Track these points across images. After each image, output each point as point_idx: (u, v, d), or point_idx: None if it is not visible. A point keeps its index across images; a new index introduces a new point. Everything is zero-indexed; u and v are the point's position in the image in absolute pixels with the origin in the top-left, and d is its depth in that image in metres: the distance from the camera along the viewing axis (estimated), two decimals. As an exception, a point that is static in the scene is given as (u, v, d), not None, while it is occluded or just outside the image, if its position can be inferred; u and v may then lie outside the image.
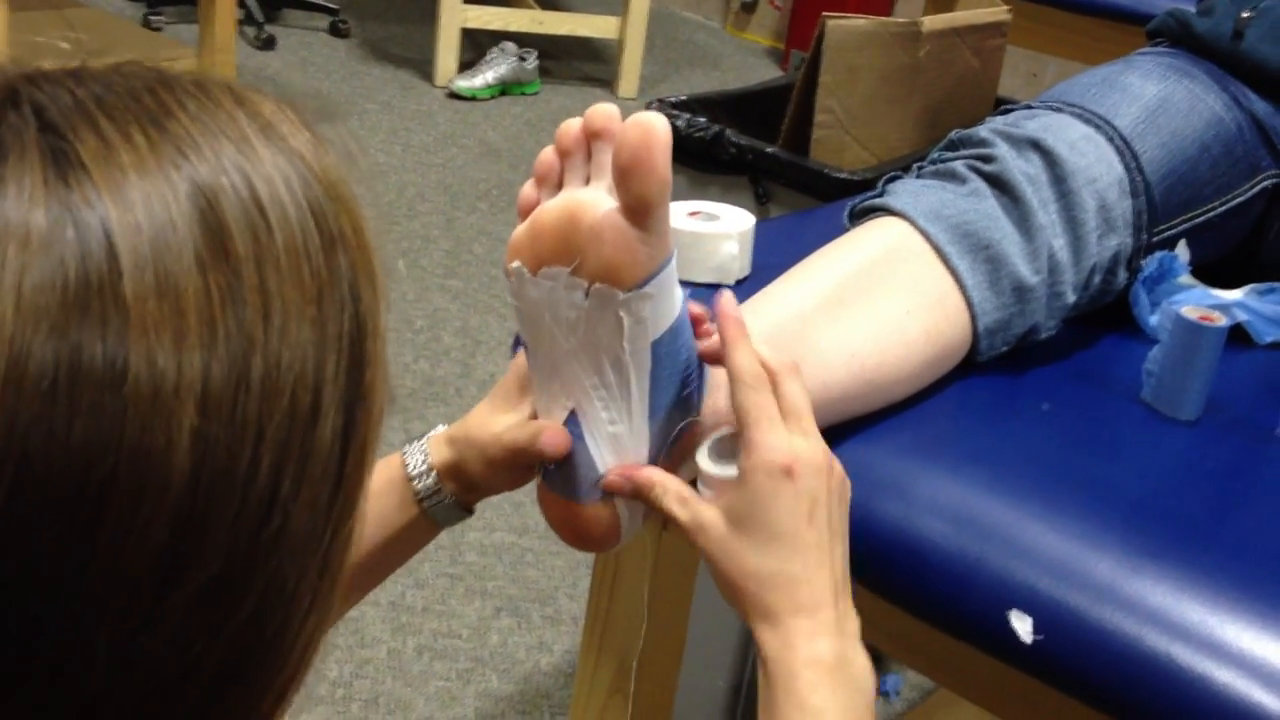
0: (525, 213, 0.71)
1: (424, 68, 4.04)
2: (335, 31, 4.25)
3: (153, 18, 3.92)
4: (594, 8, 4.80)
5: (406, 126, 3.60)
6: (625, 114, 0.67)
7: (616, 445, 0.72)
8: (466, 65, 3.95)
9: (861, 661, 0.68)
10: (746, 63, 4.76)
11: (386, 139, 3.49)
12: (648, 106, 1.62)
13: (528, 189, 0.71)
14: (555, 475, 0.73)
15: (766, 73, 4.67)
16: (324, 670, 1.70)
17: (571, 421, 0.72)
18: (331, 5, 4.30)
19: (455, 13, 3.86)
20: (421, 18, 4.52)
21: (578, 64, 4.37)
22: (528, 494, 2.10)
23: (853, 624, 0.69)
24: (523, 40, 4.02)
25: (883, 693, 1.83)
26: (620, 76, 4.06)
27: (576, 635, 1.85)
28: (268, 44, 4.00)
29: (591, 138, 0.68)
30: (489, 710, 1.70)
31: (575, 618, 1.88)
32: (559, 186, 0.70)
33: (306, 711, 1.63)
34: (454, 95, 3.85)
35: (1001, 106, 1.07)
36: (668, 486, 0.70)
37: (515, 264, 0.70)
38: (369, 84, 3.89)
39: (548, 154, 0.70)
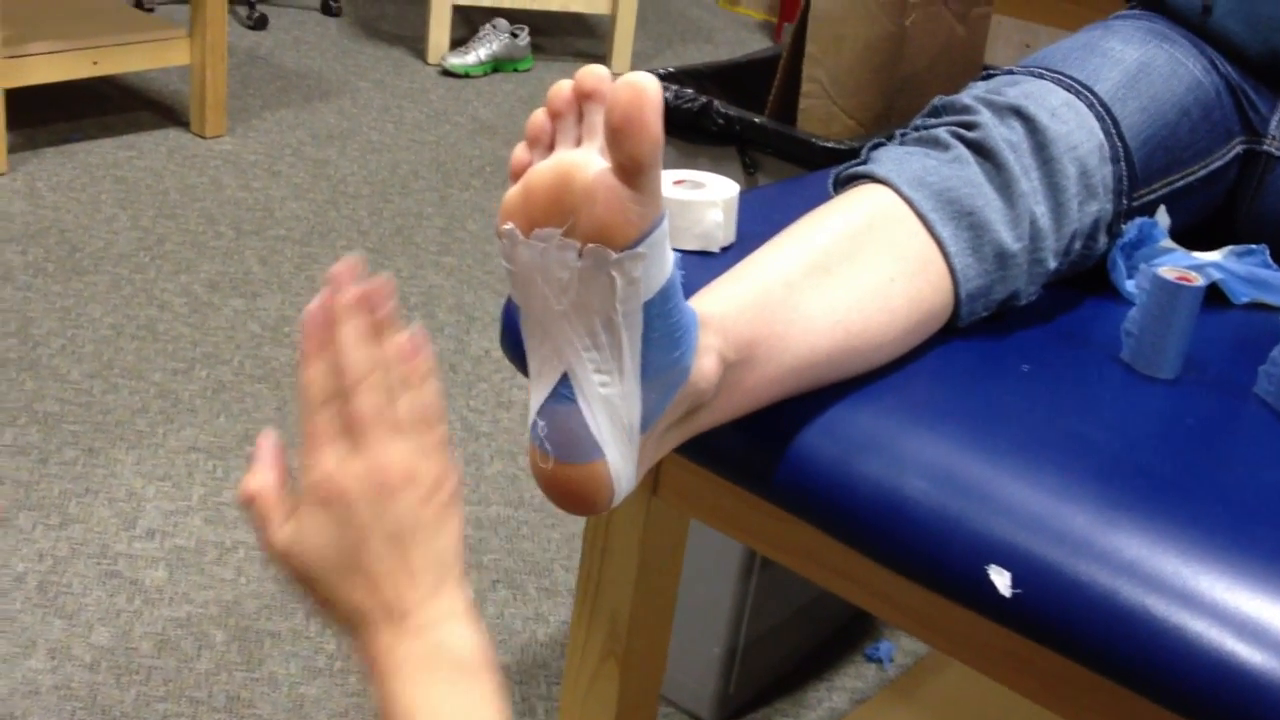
0: (517, 175, 0.71)
1: (416, 45, 4.04)
2: (327, 10, 4.25)
3: (144, -2, 3.91)
4: (586, -17, 4.80)
5: (399, 104, 3.60)
6: None
7: (609, 407, 0.73)
8: (458, 42, 3.94)
9: (457, 641, 0.66)
10: (739, 37, 4.75)
11: (379, 116, 3.49)
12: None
13: (519, 151, 0.72)
14: (547, 438, 0.74)
15: (760, 46, 4.67)
16: (322, 644, 1.72)
17: (563, 384, 0.73)
18: (323, -16, 4.30)
19: (447, -10, 3.86)
20: (413, -5, 4.51)
21: (570, 40, 4.37)
22: (523, 467, 2.12)
23: (446, 606, 0.66)
24: (514, 17, 4.02)
25: (875, 659, 1.85)
26: (613, 52, 4.06)
27: (572, 607, 1.87)
28: (260, 23, 4.00)
29: (582, 99, 0.69)
30: (486, 680, 1.72)
31: (571, 590, 1.90)
32: (551, 148, 0.71)
33: (305, 684, 1.65)
34: (446, 73, 3.85)
35: (984, 72, 1.08)
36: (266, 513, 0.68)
37: (508, 226, 0.71)
38: (361, 62, 3.89)
39: (539, 116, 0.71)
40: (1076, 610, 0.73)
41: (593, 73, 0.68)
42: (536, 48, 4.08)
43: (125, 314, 2.40)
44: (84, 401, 2.13)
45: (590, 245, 0.68)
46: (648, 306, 0.71)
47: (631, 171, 0.66)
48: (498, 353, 2.46)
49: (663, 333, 0.72)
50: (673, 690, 1.70)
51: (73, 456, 2.00)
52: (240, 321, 2.43)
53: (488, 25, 3.94)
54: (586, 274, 0.69)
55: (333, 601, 0.66)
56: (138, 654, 1.66)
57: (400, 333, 0.69)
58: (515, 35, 3.94)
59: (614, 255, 0.68)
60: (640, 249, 0.68)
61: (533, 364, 0.74)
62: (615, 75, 0.65)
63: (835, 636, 1.87)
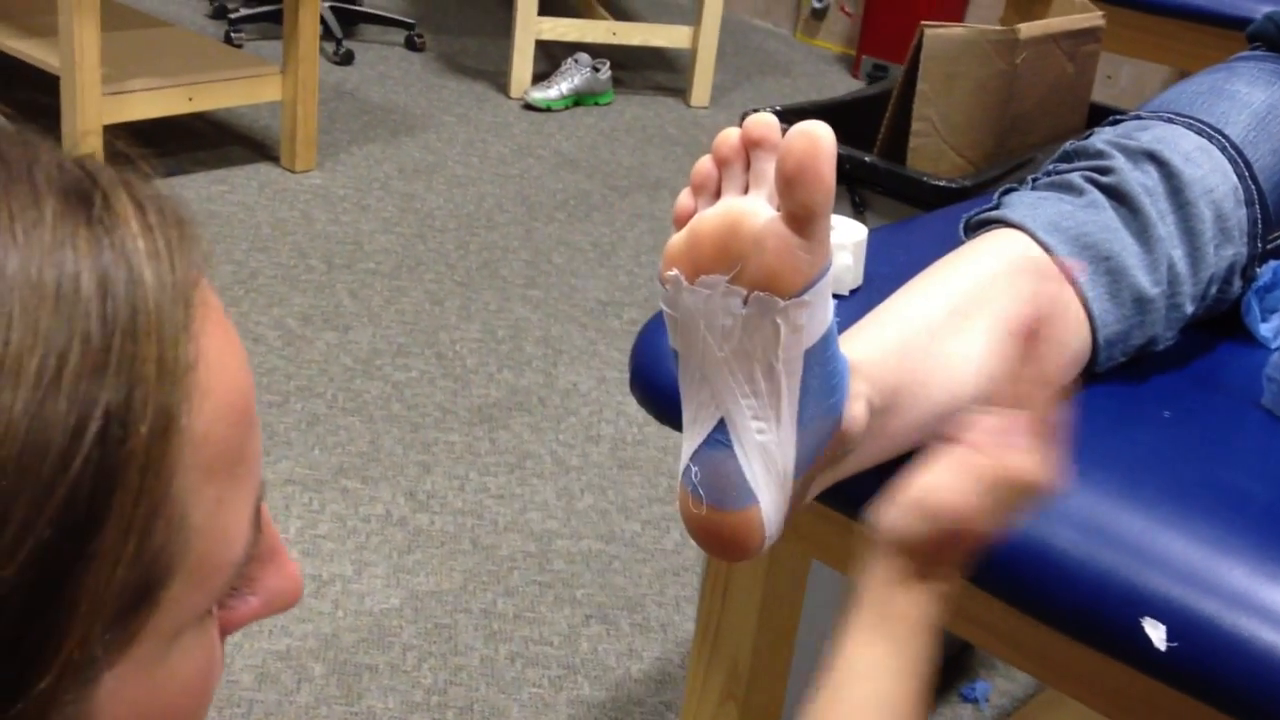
0: (681, 221, 0.72)
1: (499, 80, 4.08)
2: (411, 45, 4.31)
3: (234, 35, 3.99)
4: (666, 18, 4.83)
5: (483, 138, 3.64)
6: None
7: (765, 454, 0.73)
8: (540, 77, 3.98)
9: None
10: (818, 69, 4.76)
11: (464, 150, 3.53)
12: (742, 117, 1.64)
13: (684, 198, 0.72)
14: (701, 484, 0.74)
15: (838, 79, 4.67)
16: (419, 678, 1.73)
17: (719, 430, 0.73)
18: (407, 20, 4.36)
19: (530, 25, 3.89)
20: (495, 30, 4.56)
21: (650, 74, 4.39)
22: (614, 502, 2.12)
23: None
24: (596, 51, 4.05)
25: (971, 699, 1.83)
26: (693, 86, 4.07)
27: (666, 643, 1.86)
28: (346, 59, 4.06)
29: (750, 147, 0.70)
30: (582, 717, 1.72)
31: (664, 625, 1.89)
32: (716, 195, 0.71)
33: (402, 719, 1.66)
34: (529, 107, 3.88)
35: (1110, 117, 1.07)
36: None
37: (672, 272, 0.71)
38: (445, 97, 3.93)
39: (705, 163, 0.71)
40: (1235, 664, 0.71)
41: (761, 121, 0.69)
42: (617, 82, 4.11)
43: (221, 346, 2.43)
44: (183, 433, 2.16)
45: (757, 293, 0.68)
46: (808, 354, 0.71)
47: (803, 220, 0.66)
48: (586, 385, 2.46)
49: (821, 380, 0.72)
50: (771, 730, 1.69)
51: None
52: (333, 354, 2.46)
53: (569, 60, 3.98)
54: (751, 321, 0.69)
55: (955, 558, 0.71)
56: (239, 687, 1.68)
57: None
58: (597, 70, 3.97)
59: (781, 303, 0.68)
60: (806, 296, 0.68)
61: (688, 409, 0.74)
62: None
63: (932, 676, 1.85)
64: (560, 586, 1.94)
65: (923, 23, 1.41)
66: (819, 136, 0.64)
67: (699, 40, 4.03)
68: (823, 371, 0.72)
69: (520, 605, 1.89)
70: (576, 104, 3.95)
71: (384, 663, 1.75)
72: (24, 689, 0.36)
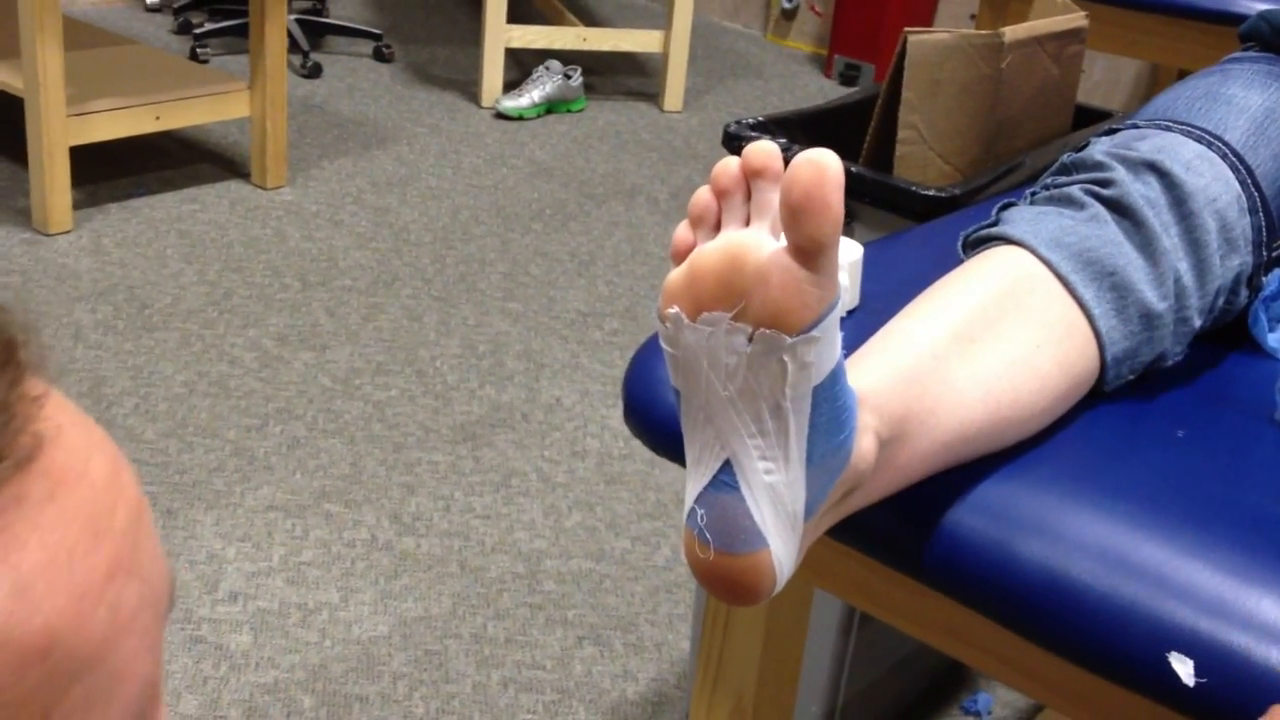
0: (680, 256, 0.68)
1: (469, 89, 4.04)
2: (379, 56, 4.26)
3: (200, 50, 3.94)
4: (636, 22, 4.80)
5: (456, 149, 3.60)
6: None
7: (773, 495, 0.70)
8: (512, 85, 3.94)
9: None
10: (789, 70, 4.73)
11: (437, 162, 3.49)
12: (726, 129, 1.61)
13: (682, 231, 0.69)
14: (707, 527, 0.71)
15: (810, 79, 4.65)
16: (410, 707, 1.69)
17: (725, 471, 0.70)
18: (375, 30, 4.31)
19: (499, 33, 3.86)
20: (464, 39, 4.52)
21: (622, 79, 4.36)
22: (602, 519, 2.09)
23: None
24: (567, 58, 4.02)
25: (973, 712, 1.81)
26: (665, 90, 4.05)
27: (661, 663, 1.83)
28: (314, 72, 4.01)
29: (752, 177, 0.66)
30: (578, 741, 1.68)
31: (658, 644, 1.86)
32: (717, 228, 0.68)
33: (395, 748, 1.62)
34: (501, 115, 3.85)
35: (1106, 125, 1.04)
36: None
37: (673, 310, 0.68)
38: (416, 108, 3.89)
39: (703, 194, 0.68)
40: (1269, 697, 0.69)
41: (762, 149, 0.66)
42: (589, 88, 4.08)
43: (197, 370, 2.39)
44: (160, 461, 2.12)
45: (763, 330, 0.65)
46: (816, 390, 0.68)
47: (810, 253, 0.63)
48: (569, 400, 2.43)
49: (829, 417, 0.69)
50: (771, 750, 1.66)
51: (152, 518, 1.99)
52: (311, 375, 2.42)
53: (540, 67, 3.94)
54: (756, 359, 0.66)
55: None
56: (227, 722, 1.64)
57: None
58: (568, 77, 3.93)
59: (789, 340, 0.65)
60: (815, 333, 0.65)
61: (691, 450, 0.71)
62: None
63: (931, 690, 1.83)
64: (551, 608, 1.91)
65: (906, 29, 1.39)
66: (826, 165, 0.61)
67: (670, 44, 4.00)
68: (831, 408, 0.69)
69: (511, 629, 1.85)
70: (549, 112, 3.92)
71: (374, 692, 1.71)
72: None
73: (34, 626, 0.30)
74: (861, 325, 0.89)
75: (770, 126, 1.51)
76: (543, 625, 1.87)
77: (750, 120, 1.52)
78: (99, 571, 0.32)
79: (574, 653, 1.83)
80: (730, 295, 0.65)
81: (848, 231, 1.43)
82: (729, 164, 0.67)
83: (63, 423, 0.32)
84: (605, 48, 4.06)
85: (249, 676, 1.71)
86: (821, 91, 4.53)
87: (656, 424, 0.90)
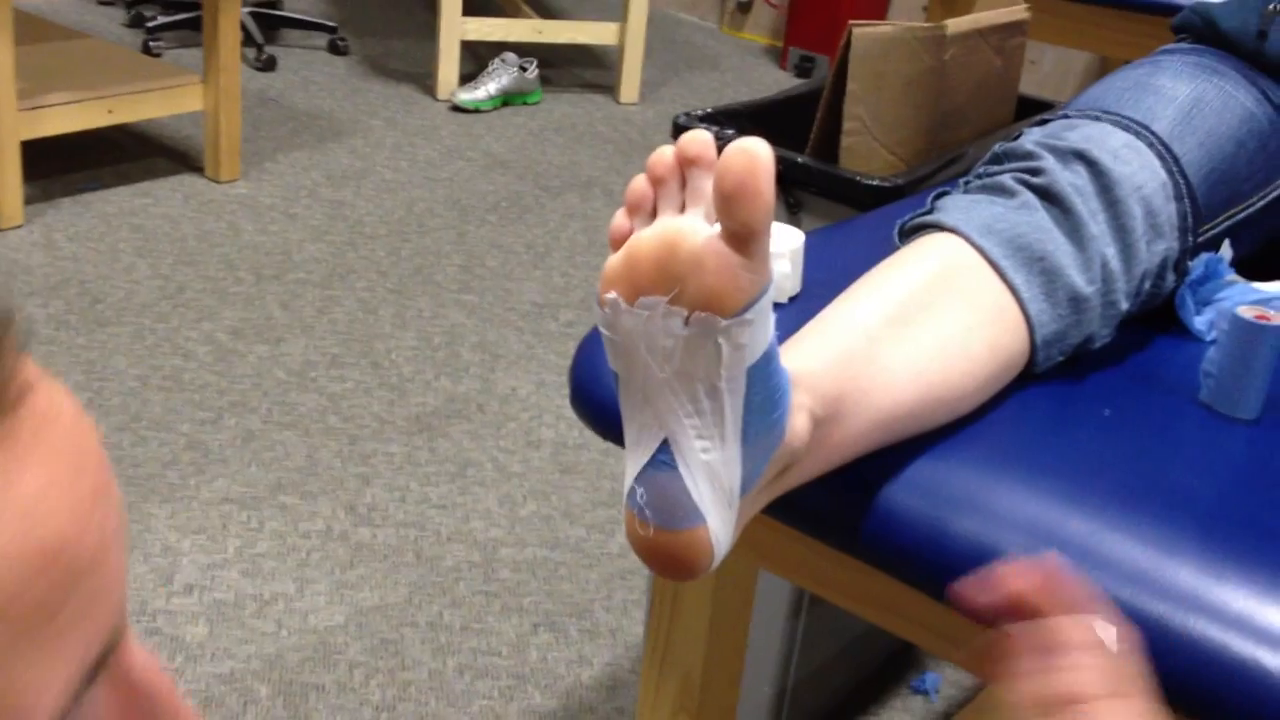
0: (618, 243, 0.70)
1: (425, 81, 4.04)
2: (334, 49, 4.26)
3: (152, 43, 3.92)
4: (592, 14, 4.81)
5: (411, 142, 3.60)
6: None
7: (709, 472, 0.72)
8: (467, 78, 3.95)
9: None
10: (745, 62, 4.76)
11: (392, 155, 3.49)
12: (675, 121, 1.63)
13: (619, 218, 0.71)
14: (647, 505, 0.73)
15: (766, 72, 4.67)
16: (367, 695, 1.71)
17: (663, 451, 0.72)
18: (329, 23, 4.31)
19: (454, 25, 3.86)
20: (419, 32, 4.52)
21: (578, 71, 4.37)
22: (557, 507, 2.11)
23: None
24: (522, 50, 4.02)
25: (922, 690, 1.84)
26: (621, 82, 4.06)
27: (615, 648, 1.85)
28: (268, 65, 4.00)
29: (686, 165, 0.69)
30: (534, 727, 1.70)
31: (613, 630, 1.88)
32: (653, 215, 0.70)
33: (352, 736, 1.64)
34: (456, 108, 3.85)
35: (1039, 116, 1.07)
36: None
37: (611, 295, 0.70)
38: (371, 100, 3.89)
39: (640, 182, 0.70)
40: (1186, 665, 0.72)
41: (696, 138, 0.68)
42: (545, 80, 4.09)
43: (150, 365, 2.39)
44: (114, 455, 2.12)
45: (698, 313, 0.67)
46: (751, 371, 0.70)
47: (743, 238, 0.65)
48: (525, 390, 2.45)
49: (764, 396, 0.71)
50: (724, 732, 1.68)
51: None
52: (265, 368, 2.42)
53: (496, 60, 3.95)
54: (692, 342, 0.68)
55: None
56: (183, 712, 1.65)
57: None
58: (524, 69, 3.94)
59: (723, 323, 0.67)
60: (748, 315, 0.68)
61: (630, 431, 0.73)
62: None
63: (881, 671, 1.86)
64: (507, 595, 1.92)
65: (851, 21, 1.41)
66: (756, 154, 0.63)
67: (626, 36, 4.02)
68: (765, 388, 0.72)
69: (467, 616, 1.87)
70: (505, 104, 3.93)
71: (331, 681, 1.73)
72: None
73: (40, 537, 0.34)
74: (803, 311, 0.91)
75: (719, 118, 1.53)
76: (498, 612, 1.89)
77: (700, 112, 1.54)
78: (86, 495, 0.36)
79: (529, 639, 1.85)
80: (666, 280, 0.68)
81: (794, 221, 1.45)
82: (664, 153, 0.69)
83: (34, 373, 0.36)
84: (561, 40, 4.07)
85: (205, 667, 1.72)
86: (777, 83, 4.56)
87: (601, 408, 0.92)
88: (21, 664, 0.34)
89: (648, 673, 1.08)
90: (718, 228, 0.67)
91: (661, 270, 0.68)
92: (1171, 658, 0.72)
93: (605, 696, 1.77)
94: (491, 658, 1.80)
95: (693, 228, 0.67)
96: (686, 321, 0.68)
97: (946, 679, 1.86)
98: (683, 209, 0.69)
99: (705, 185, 0.68)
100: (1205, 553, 0.75)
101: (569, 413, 2.39)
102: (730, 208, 0.65)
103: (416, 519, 2.06)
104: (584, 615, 1.91)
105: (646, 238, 0.69)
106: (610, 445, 2.25)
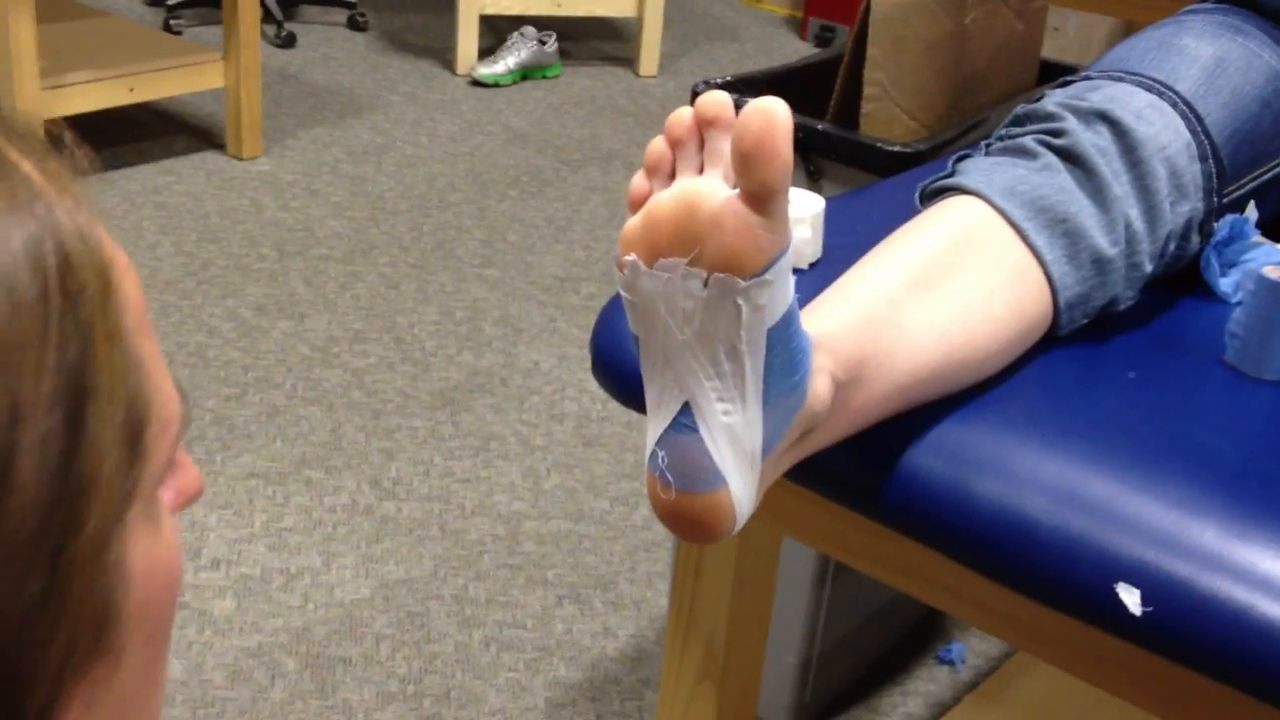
0: (637, 205, 0.70)
1: (444, 56, 4.04)
2: (353, 25, 4.25)
3: (173, 21, 3.92)
4: (609, -13, 4.79)
5: (431, 116, 3.60)
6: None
7: (731, 435, 0.72)
8: (487, 52, 3.94)
9: None
10: (765, 33, 4.74)
11: (412, 130, 3.49)
12: (694, 89, 1.62)
13: (638, 180, 0.71)
14: (668, 468, 0.73)
15: (786, 42, 4.65)
16: (393, 667, 1.72)
17: (684, 414, 0.72)
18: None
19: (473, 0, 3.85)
20: (438, 6, 4.51)
21: (597, 44, 4.36)
22: (581, 480, 2.11)
23: None
24: (541, 24, 4.01)
25: (948, 661, 1.84)
26: (641, 55, 4.05)
27: (640, 620, 1.86)
28: (288, 42, 4.00)
29: (704, 126, 0.68)
30: (559, 699, 1.71)
31: (637, 602, 1.89)
32: (671, 176, 0.70)
33: (379, 710, 1.65)
34: (476, 83, 3.85)
35: (1061, 78, 1.06)
36: None
37: (630, 257, 0.70)
38: (391, 76, 3.89)
39: (658, 144, 0.70)
40: (1211, 626, 0.71)
41: (714, 99, 0.68)
42: (564, 53, 4.08)
43: (176, 341, 2.40)
44: (141, 431, 2.13)
45: (717, 274, 0.67)
46: (771, 333, 0.70)
47: (762, 198, 0.65)
48: (547, 364, 2.45)
49: (784, 358, 0.71)
50: (749, 702, 1.69)
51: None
52: (289, 344, 2.43)
53: (515, 33, 3.94)
54: (712, 303, 0.68)
55: None
56: (212, 686, 1.66)
57: None
58: (543, 42, 3.93)
59: (742, 283, 0.67)
60: (768, 276, 0.67)
61: (651, 394, 0.73)
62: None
63: (906, 640, 1.86)
64: (531, 568, 1.93)
65: (870, -13, 1.40)
66: (774, 113, 0.63)
67: (645, 8, 4.00)
68: (786, 349, 0.71)
69: (492, 589, 1.88)
70: (524, 78, 3.92)
71: (357, 654, 1.74)
72: (78, 525, 0.38)
73: (101, 255, 0.40)
74: (824, 276, 0.91)
75: (739, 86, 1.53)
76: (523, 585, 1.89)
77: (719, 80, 1.54)
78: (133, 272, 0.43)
79: (554, 611, 1.85)
80: (686, 241, 0.67)
81: (815, 188, 1.45)
82: (682, 114, 0.69)
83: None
84: (580, 13, 4.05)
85: (233, 641, 1.74)
86: (797, 53, 4.53)
87: (622, 375, 0.92)
88: (158, 359, 0.42)
89: (672, 640, 1.08)
90: (737, 189, 0.67)
91: (680, 231, 0.67)
92: (1196, 618, 0.72)
93: (630, 668, 1.77)
94: (517, 630, 1.81)
95: (711, 189, 0.67)
96: (706, 283, 0.68)
97: (973, 649, 1.86)
98: (701, 170, 0.69)
99: (723, 146, 0.67)
100: (1230, 514, 0.74)
101: (592, 386, 2.39)
102: (748, 167, 0.64)
103: (441, 493, 2.07)
104: (608, 588, 1.91)
105: (665, 199, 0.68)
106: (633, 418, 2.26)
